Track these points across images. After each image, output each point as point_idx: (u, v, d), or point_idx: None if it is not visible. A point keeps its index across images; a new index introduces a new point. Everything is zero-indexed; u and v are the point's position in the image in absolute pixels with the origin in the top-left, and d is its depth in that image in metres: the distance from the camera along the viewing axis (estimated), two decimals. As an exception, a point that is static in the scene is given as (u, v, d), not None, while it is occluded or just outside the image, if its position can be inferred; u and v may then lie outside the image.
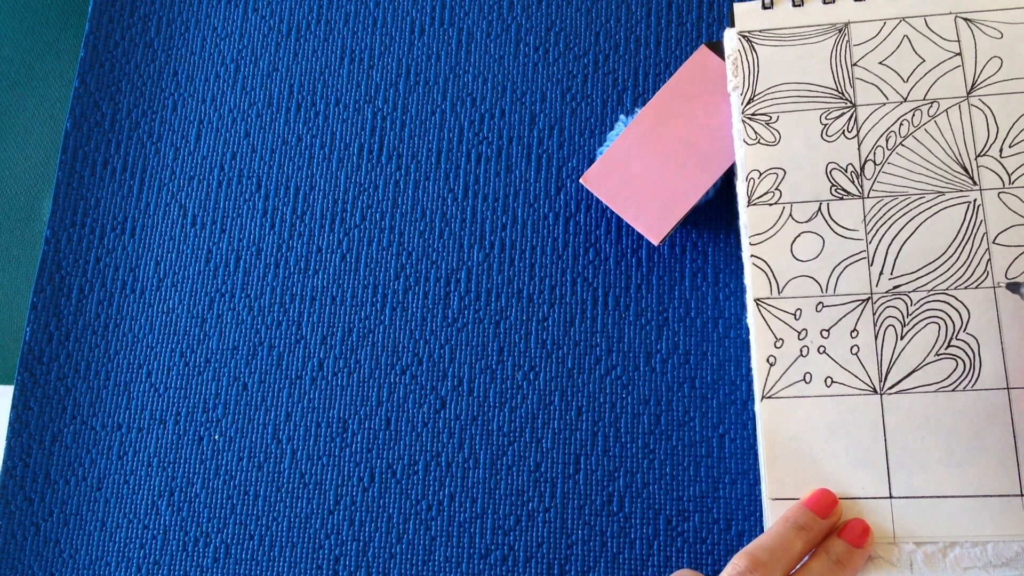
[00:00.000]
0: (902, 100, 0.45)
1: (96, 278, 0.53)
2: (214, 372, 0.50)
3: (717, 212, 0.49)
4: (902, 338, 0.42)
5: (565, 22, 0.53)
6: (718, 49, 0.49)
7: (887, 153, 0.45)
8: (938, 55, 0.46)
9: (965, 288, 0.42)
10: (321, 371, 0.50)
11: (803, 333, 0.43)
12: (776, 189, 0.45)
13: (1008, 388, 0.41)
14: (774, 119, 0.46)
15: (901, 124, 0.45)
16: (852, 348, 0.43)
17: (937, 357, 0.42)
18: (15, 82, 0.63)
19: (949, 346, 0.42)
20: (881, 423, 0.41)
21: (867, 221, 0.44)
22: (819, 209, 0.45)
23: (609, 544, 0.46)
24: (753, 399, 0.45)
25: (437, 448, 0.48)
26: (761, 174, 0.45)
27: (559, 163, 0.51)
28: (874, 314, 0.43)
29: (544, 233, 0.50)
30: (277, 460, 0.49)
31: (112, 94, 0.55)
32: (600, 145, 0.51)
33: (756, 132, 0.46)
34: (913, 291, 0.43)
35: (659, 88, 0.50)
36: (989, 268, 0.42)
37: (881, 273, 0.43)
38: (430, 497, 0.47)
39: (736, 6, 0.48)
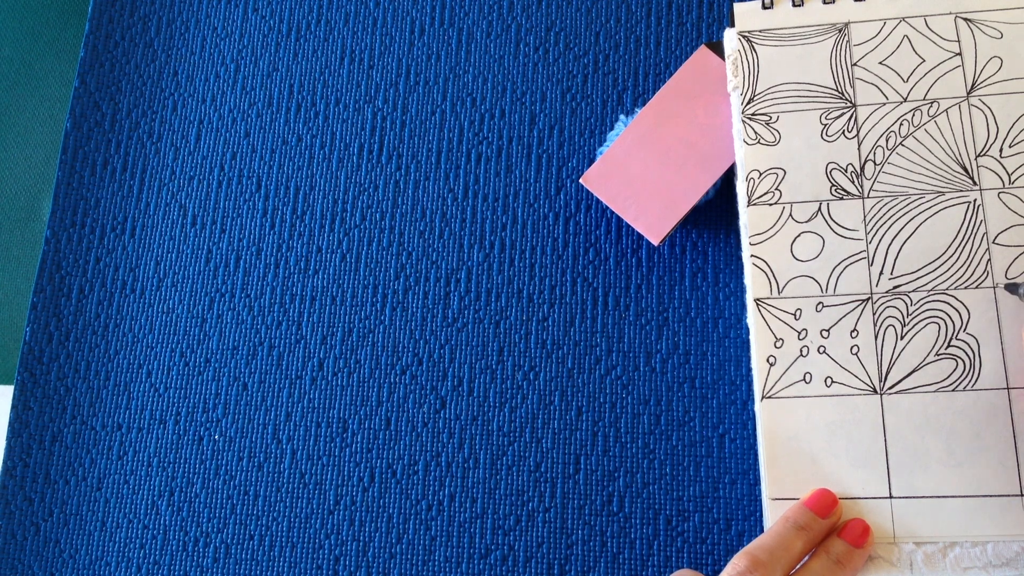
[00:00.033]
0: (902, 100, 0.45)
1: (96, 278, 0.53)
2: (214, 372, 0.50)
3: (717, 212, 0.49)
4: (902, 338, 0.42)
5: (565, 22, 0.53)
6: (718, 49, 0.49)
7: (887, 153, 0.45)
8: (938, 55, 0.46)
9: (965, 288, 0.42)
10: (321, 371, 0.50)
11: (803, 333, 0.43)
12: (776, 189, 0.45)
13: (1008, 388, 0.41)
14: (774, 119, 0.46)
15: (901, 124, 0.45)
16: (852, 348, 0.43)
17: (937, 357, 0.42)
18: (15, 82, 0.63)
19: (949, 346, 0.42)
20: (881, 423, 0.41)
21: (867, 221, 0.44)
22: (819, 209, 0.45)
23: (609, 544, 0.46)
24: (753, 399, 0.45)
25: (437, 448, 0.48)
26: (761, 174, 0.45)
27: (559, 163, 0.51)
28: (874, 314, 0.43)
29: (544, 233, 0.50)
30: (277, 460, 0.49)
31: (112, 94, 0.55)
32: (600, 145, 0.51)
33: (756, 132, 0.46)
34: (913, 291, 0.43)
35: (659, 88, 0.50)
36: (989, 268, 0.42)
37: (881, 273, 0.43)
38: (430, 497, 0.47)
39: (736, 6, 0.48)
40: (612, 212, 0.50)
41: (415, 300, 0.50)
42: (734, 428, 0.46)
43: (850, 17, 0.47)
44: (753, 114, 0.46)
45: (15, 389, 0.51)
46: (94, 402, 0.51)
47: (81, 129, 0.55)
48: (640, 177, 0.47)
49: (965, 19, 0.46)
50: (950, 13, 0.46)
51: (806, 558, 0.39)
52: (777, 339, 0.43)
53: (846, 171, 0.45)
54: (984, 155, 0.44)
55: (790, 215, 0.45)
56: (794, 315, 0.43)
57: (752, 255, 0.45)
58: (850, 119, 0.45)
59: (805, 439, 0.42)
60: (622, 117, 0.50)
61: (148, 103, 0.55)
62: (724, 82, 0.48)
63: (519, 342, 0.49)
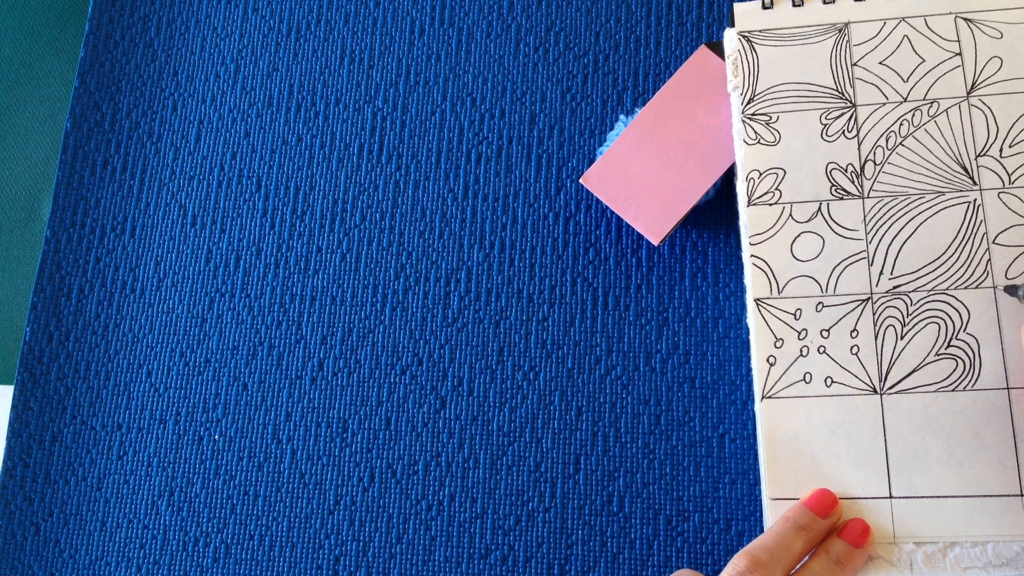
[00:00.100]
0: (902, 100, 0.45)
1: (96, 278, 0.53)
2: (214, 372, 0.50)
3: (717, 212, 0.49)
4: (902, 338, 0.42)
5: (565, 22, 0.53)
6: (718, 49, 0.49)
7: (887, 153, 0.45)
8: (938, 55, 0.46)
9: (965, 288, 0.42)
10: (321, 371, 0.50)
11: (803, 333, 0.43)
12: (776, 189, 0.45)
13: (1008, 388, 0.41)
14: (774, 119, 0.46)
15: (901, 124, 0.45)
16: (852, 348, 0.43)
17: (937, 357, 0.42)
18: (15, 82, 0.63)
19: (949, 346, 0.42)
20: (881, 423, 0.41)
21: (867, 221, 0.44)
22: (819, 209, 0.45)
23: (609, 544, 0.46)
24: (753, 399, 0.45)
25: (437, 448, 0.48)
26: (761, 174, 0.45)
27: (559, 163, 0.51)
28: (874, 314, 0.43)
29: (544, 233, 0.50)
30: (277, 460, 0.49)
31: (112, 94, 0.55)
32: (600, 145, 0.51)
33: (756, 132, 0.46)
34: (913, 291, 0.43)
35: (659, 88, 0.50)
36: (989, 268, 0.42)
37: (881, 273, 0.43)
38: (430, 497, 0.47)
39: (736, 6, 0.48)
40: (612, 212, 0.50)
41: (415, 300, 0.50)
42: (734, 428, 0.46)
43: (850, 17, 0.47)
44: (753, 114, 0.46)
45: (15, 389, 0.51)
46: (94, 402, 0.51)
47: (81, 129, 0.55)
48: (640, 177, 0.47)
49: (965, 19, 0.46)
50: (950, 13, 0.46)
51: (806, 558, 0.39)
52: (777, 339, 0.43)
53: (846, 171, 0.45)
54: (984, 155, 0.44)
55: (790, 215, 0.45)
56: (794, 315, 0.43)
57: (752, 255, 0.45)
58: (850, 119, 0.45)
59: (805, 439, 0.42)
60: (622, 117, 0.50)
61: (148, 103, 0.55)
62: (724, 82, 0.48)
63: (519, 342, 0.49)
